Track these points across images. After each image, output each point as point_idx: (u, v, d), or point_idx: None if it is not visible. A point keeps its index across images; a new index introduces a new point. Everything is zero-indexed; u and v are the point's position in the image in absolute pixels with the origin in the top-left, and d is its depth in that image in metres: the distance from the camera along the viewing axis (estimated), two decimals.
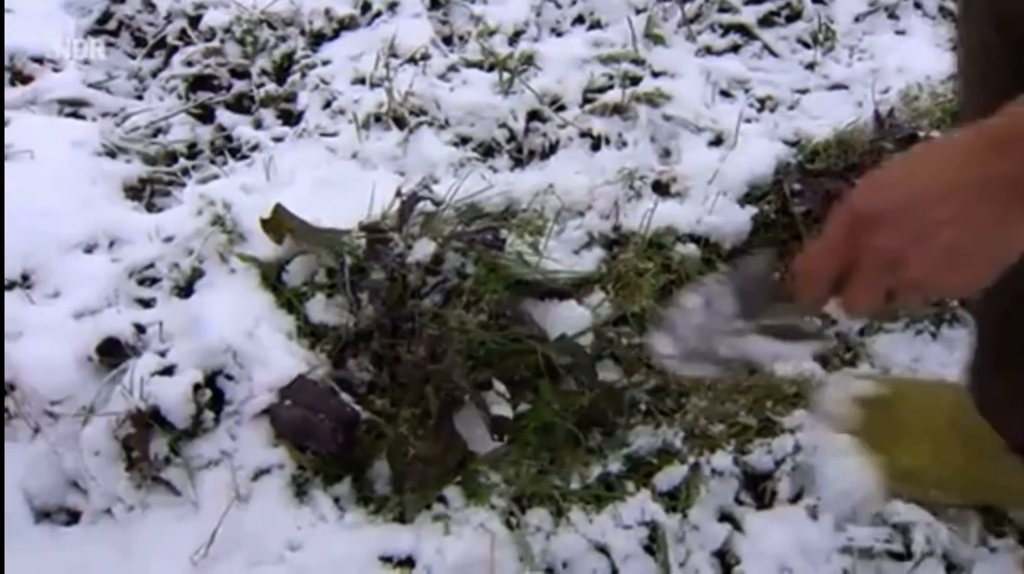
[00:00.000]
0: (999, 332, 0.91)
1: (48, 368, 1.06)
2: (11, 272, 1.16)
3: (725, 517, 1.00)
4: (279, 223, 1.17)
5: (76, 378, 1.06)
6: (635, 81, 1.56)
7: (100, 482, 0.98)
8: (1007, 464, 0.96)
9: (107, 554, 0.94)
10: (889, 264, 0.60)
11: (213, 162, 1.46)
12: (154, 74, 1.65)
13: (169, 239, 1.22)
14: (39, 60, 1.58)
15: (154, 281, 1.19)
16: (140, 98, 1.60)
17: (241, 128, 1.52)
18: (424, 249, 1.17)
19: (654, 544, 0.97)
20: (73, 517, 0.99)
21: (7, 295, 1.14)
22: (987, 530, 0.99)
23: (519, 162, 1.50)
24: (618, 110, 1.50)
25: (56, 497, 1.00)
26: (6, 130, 1.37)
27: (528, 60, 1.63)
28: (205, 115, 1.57)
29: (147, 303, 1.16)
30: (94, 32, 1.67)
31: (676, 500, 1.01)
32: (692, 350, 0.69)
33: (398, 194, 1.28)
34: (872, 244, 0.60)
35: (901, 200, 0.59)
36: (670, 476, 1.03)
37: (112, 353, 1.06)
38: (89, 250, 1.22)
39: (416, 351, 1.08)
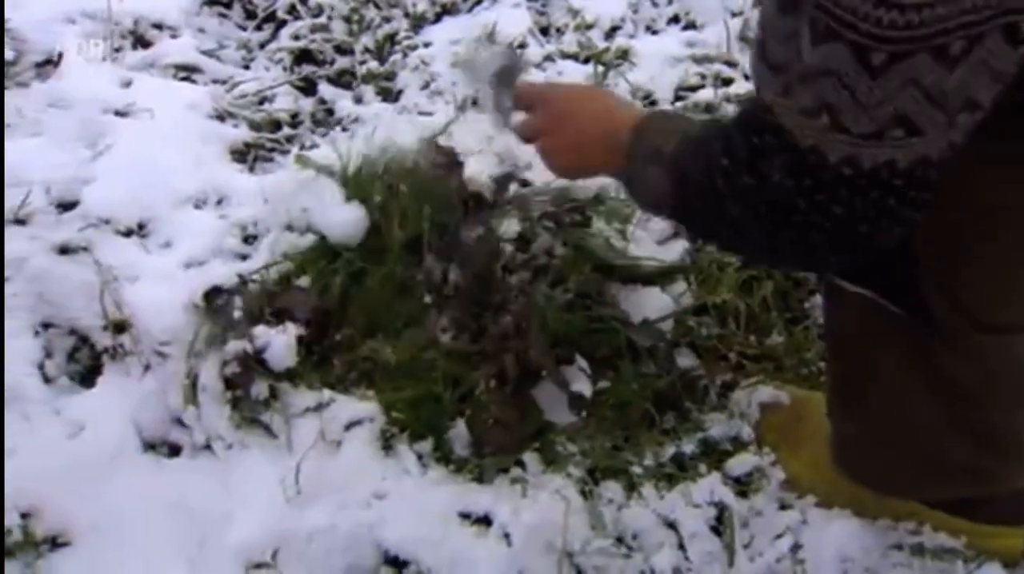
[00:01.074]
0: (831, 371, 0.98)
1: (159, 311, 1.13)
2: (129, 221, 1.24)
3: (788, 506, 1.03)
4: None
5: (184, 322, 1.12)
6: (727, 82, 1.59)
7: (203, 419, 1.05)
8: None
9: (205, 486, 1.00)
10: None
11: (313, 131, 1.53)
12: (262, 45, 1.72)
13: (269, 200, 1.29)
14: (159, 26, 1.66)
15: (254, 238, 1.26)
16: (247, 67, 1.68)
17: (342, 102, 1.59)
18: (513, 226, 1.22)
19: (721, 525, 1.01)
20: (175, 450, 1.05)
21: (126, 241, 1.21)
22: None
23: None
24: (708, 109, 1.53)
25: (161, 431, 1.06)
26: (129, 90, 1.45)
27: (623, 55, 1.67)
28: (308, 87, 1.64)
29: (246, 257, 1.23)
30: (209, 3, 1.75)
31: (745, 486, 1.04)
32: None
33: (491, 178, 1.33)
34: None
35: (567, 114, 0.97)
36: (742, 463, 1.06)
37: (217, 300, 1.13)
38: (199, 206, 1.29)
39: (502, 323, 1.13)
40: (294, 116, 1.57)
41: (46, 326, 1.12)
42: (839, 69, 0.62)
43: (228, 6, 1.76)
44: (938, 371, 0.83)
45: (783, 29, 0.65)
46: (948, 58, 0.60)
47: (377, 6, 1.73)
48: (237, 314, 1.10)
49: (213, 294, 1.14)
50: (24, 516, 0.94)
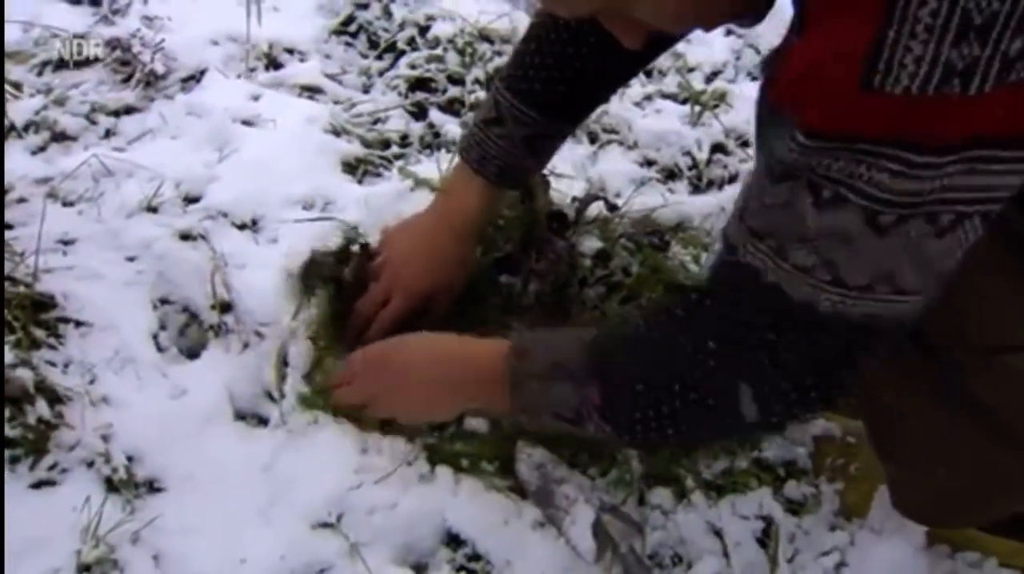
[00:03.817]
0: (863, 417, 1.01)
1: (262, 295, 1.24)
2: (244, 216, 1.36)
3: (838, 528, 1.04)
4: None
5: (281, 310, 1.23)
6: None
7: (288, 395, 1.15)
8: None
9: (284, 454, 1.09)
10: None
11: (420, 152, 1.64)
12: (381, 73, 1.85)
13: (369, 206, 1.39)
14: (290, 51, 1.81)
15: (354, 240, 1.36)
16: (366, 92, 1.81)
17: (449, 126, 1.69)
18: (592, 244, 1.28)
19: (767, 538, 1.03)
20: (263, 422, 1.15)
21: (239, 235, 1.34)
22: None
23: (697, 188, 1.59)
24: None
25: (252, 403, 1.16)
26: (257, 103, 1.60)
27: (721, 97, 1.73)
28: (420, 113, 1.75)
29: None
30: (337, 32, 1.90)
31: (797, 506, 1.07)
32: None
33: (574, 199, 1.41)
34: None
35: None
36: (796, 486, 1.09)
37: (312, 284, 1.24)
38: (307, 207, 1.40)
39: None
40: (404, 137, 1.68)
41: (163, 302, 1.25)
42: (848, 230, 0.66)
43: (354, 35, 1.90)
44: (963, 398, 0.84)
45: (773, 197, 0.70)
46: (938, 226, 0.65)
47: (489, 40, 1.84)
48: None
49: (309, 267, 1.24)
50: (129, 459, 1.05)
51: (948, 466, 0.90)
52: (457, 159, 1.21)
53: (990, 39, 0.56)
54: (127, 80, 1.67)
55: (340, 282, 1.25)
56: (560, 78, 1.09)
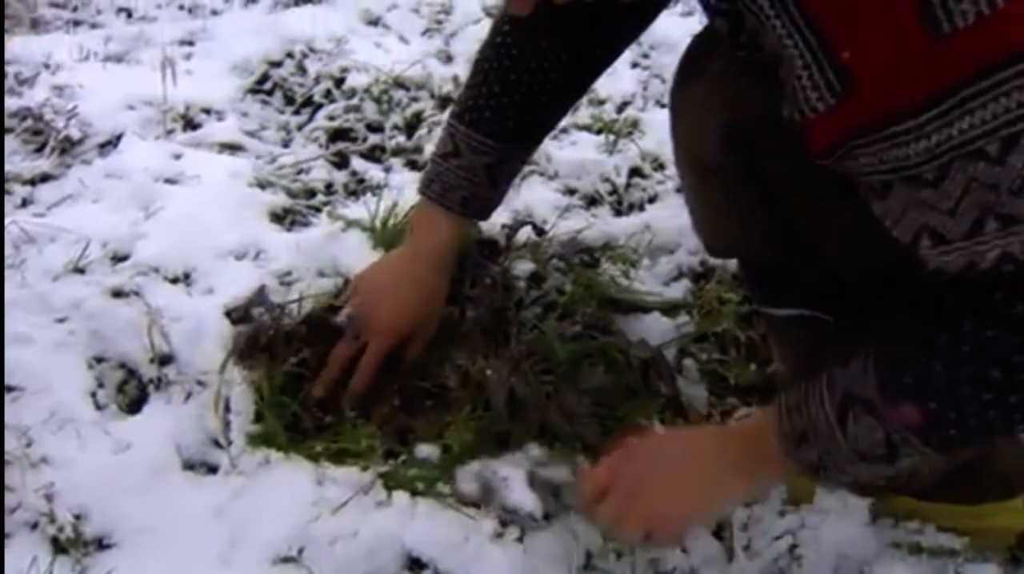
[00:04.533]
0: None
1: (201, 346, 1.23)
2: (175, 270, 1.36)
3: (787, 513, 1.07)
4: None
5: (221, 359, 1.22)
6: None
7: (234, 440, 1.14)
8: None
9: (239, 497, 1.08)
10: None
11: (346, 199, 1.65)
12: (300, 127, 1.87)
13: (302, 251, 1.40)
14: (207, 111, 1.82)
15: (289, 285, 1.36)
16: (286, 146, 1.82)
17: (372, 172, 1.72)
18: (525, 267, 1.32)
19: (721, 530, 1.06)
20: (212, 469, 1.14)
21: (172, 288, 1.33)
22: None
23: (619, 212, 1.64)
24: None
25: (200, 452, 1.15)
26: (179, 162, 1.60)
27: (634, 124, 1.80)
28: (341, 162, 1.77)
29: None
30: (253, 91, 1.92)
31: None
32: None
33: (503, 226, 1.44)
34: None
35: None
36: None
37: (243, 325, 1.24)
38: (239, 258, 1.41)
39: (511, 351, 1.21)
40: (328, 186, 1.70)
41: (99, 360, 1.23)
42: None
43: (270, 93, 1.92)
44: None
45: (946, 198, 0.68)
46: None
47: (405, 88, 1.88)
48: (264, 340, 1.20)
49: (238, 314, 1.24)
50: (76, 517, 1.03)
51: None
52: (419, 199, 1.22)
53: None
54: (40, 149, 1.66)
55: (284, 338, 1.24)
56: (509, 104, 1.13)
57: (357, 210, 1.52)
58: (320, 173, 1.72)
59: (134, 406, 1.20)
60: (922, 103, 0.65)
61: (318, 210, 1.60)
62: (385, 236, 1.37)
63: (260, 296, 1.27)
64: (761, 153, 0.88)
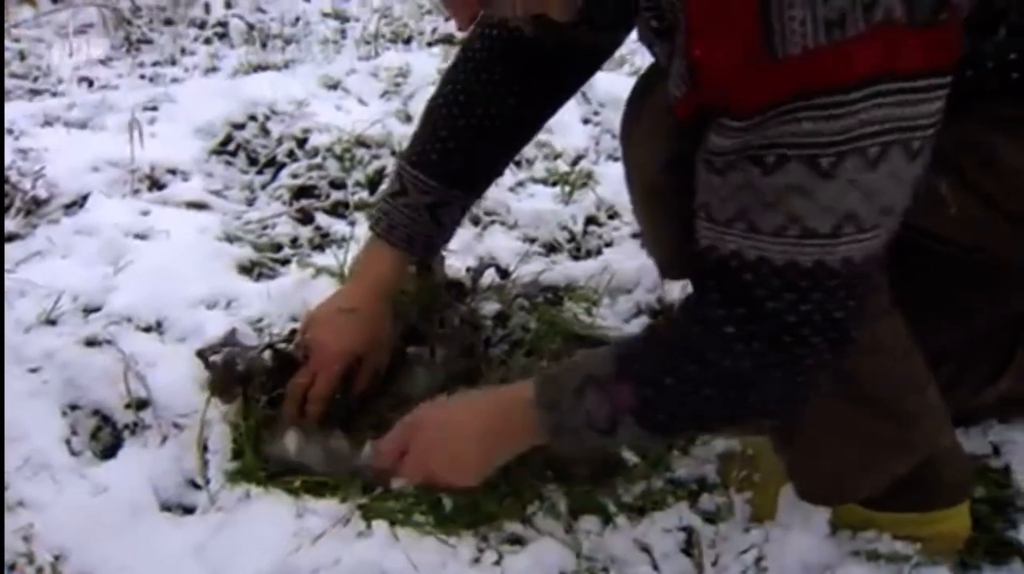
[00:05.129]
0: None
1: (176, 390, 1.25)
2: (148, 320, 1.39)
3: (752, 529, 1.12)
4: None
5: (197, 401, 1.24)
6: None
7: (212, 479, 1.15)
8: None
9: (218, 535, 1.09)
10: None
11: (312, 252, 1.69)
12: (264, 186, 1.92)
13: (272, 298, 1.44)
14: (172, 171, 1.86)
15: (261, 331, 1.39)
16: (251, 204, 1.86)
17: (337, 226, 1.76)
18: (492, 307, 1.37)
19: (690, 547, 1.10)
20: (189, 510, 1.15)
21: (145, 336, 1.35)
22: None
23: (577, 257, 1.71)
24: None
25: (177, 494, 1.16)
26: (147, 218, 1.63)
27: (588, 176, 1.88)
28: (306, 218, 1.82)
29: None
30: (217, 152, 1.96)
31: (712, 515, 1.14)
32: None
33: (468, 269, 1.50)
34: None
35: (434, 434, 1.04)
36: (710, 498, 1.16)
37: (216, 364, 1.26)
38: (210, 307, 1.44)
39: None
40: (294, 240, 1.74)
41: (73, 407, 1.24)
42: (799, 182, 0.78)
43: (234, 154, 1.97)
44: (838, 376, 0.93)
45: (726, 187, 0.82)
46: (868, 158, 0.76)
47: (366, 146, 1.94)
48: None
49: (210, 352, 1.26)
50: (56, 558, 1.03)
51: (838, 443, 1.00)
52: (368, 234, 1.29)
53: None
54: (6, 211, 1.67)
55: (255, 375, 1.27)
56: (455, 147, 1.20)
57: (325, 259, 1.56)
58: (285, 228, 1.76)
59: (109, 451, 1.21)
60: (748, 111, 0.77)
61: (285, 263, 1.64)
62: None
63: (231, 338, 1.29)
64: None
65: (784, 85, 0.75)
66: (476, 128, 1.19)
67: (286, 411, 1.20)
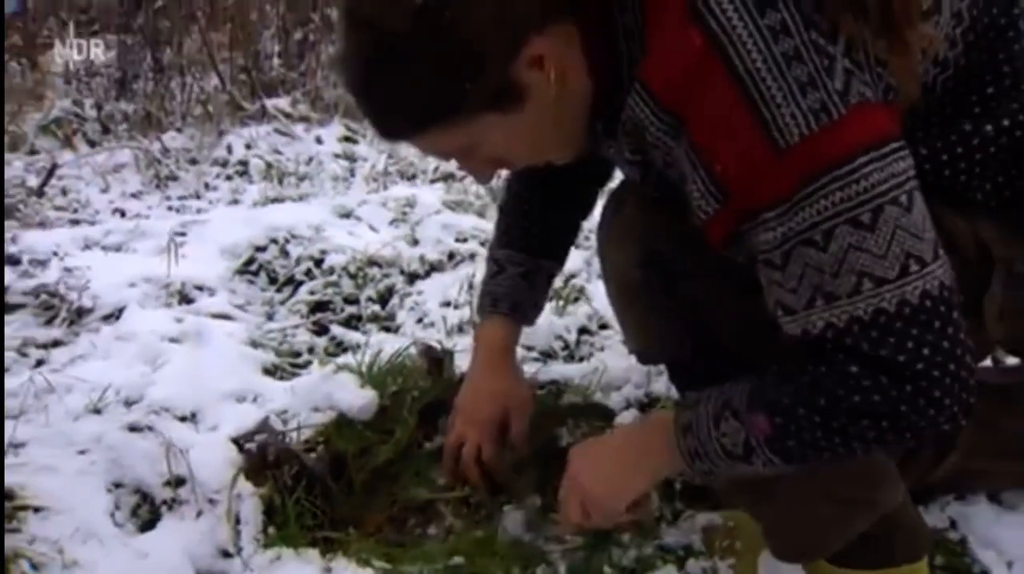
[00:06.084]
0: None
1: (209, 472, 1.38)
2: (184, 410, 1.52)
3: None
4: None
5: (229, 480, 1.37)
6: None
7: (244, 548, 1.27)
8: None
9: None
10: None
11: (329, 356, 1.85)
12: (283, 302, 2.09)
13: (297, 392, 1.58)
14: (200, 287, 2.04)
15: (286, 422, 1.53)
16: (271, 318, 2.04)
17: (350, 336, 1.93)
18: None
19: None
20: None
21: (181, 424, 1.49)
22: None
23: (570, 362, 1.87)
24: None
25: (211, 563, 1.27)
26: (180, 324, 1.79)
27: (580, 291, 2.06)
28: (321, 330, 1.99)
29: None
30: (240, 271, 2.15)
31: None
32: None
33: None
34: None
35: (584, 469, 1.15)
36: (696, 563, 1.29)
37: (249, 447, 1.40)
38: (240, 400, 1.58)
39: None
40: (311, 349, 1.89)
41: (117, 485, 1.37)
42: (853, 241, 0.87)
43: (255, 274, 2.15)
44: None
45: (789, 278, 0.90)
46: (902, 205, 0.87)
47: (378, 266, 2.13)
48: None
49: (245, 439, 1.40)
50: None
51: (808, 502, 1.13)
52: (477, 320, 1.47)
53: (818, 87, 0.85)
54: (51, 321, 1.84)
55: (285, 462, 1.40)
56: (529, 226, 1.42)
57: (345, 358, 1.72)
58: (303, 338, 1.92)
59: (149, 524, 1.33)
60: (769, 201, 0.89)
61: (304, 366, 1.80)
62: (373, 378, 1.57)
63: (264, 425, 1.43)
64: (671, 273, 1.14)
65: (799, 169, 0.86)
66: (541, 207, 1.42)
67: (446, 470, 1.36)
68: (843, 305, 0.89)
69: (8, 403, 1.50)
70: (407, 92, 0.95)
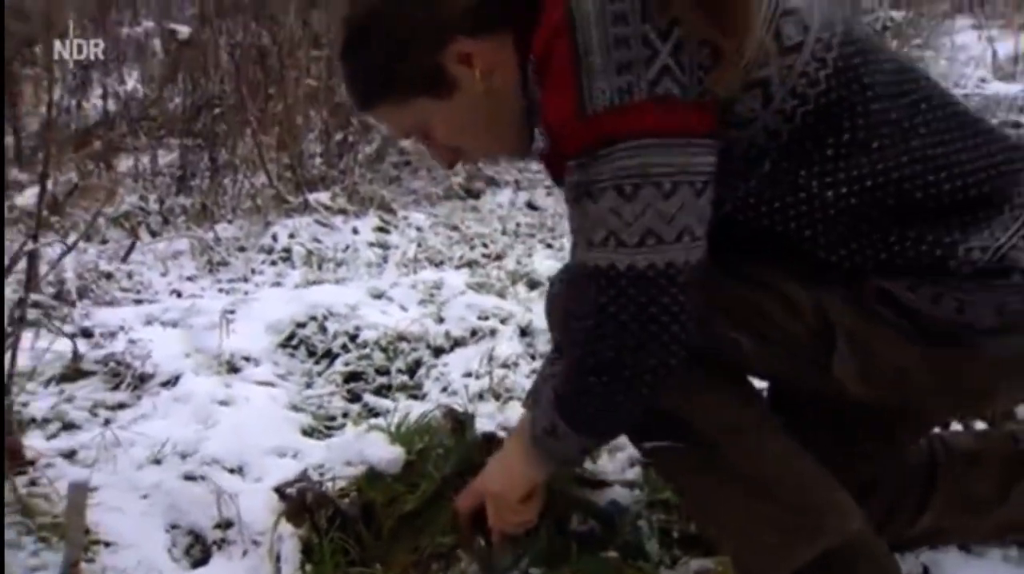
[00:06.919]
0: None
1: (254, 517, 1.56)
2: (232, 464, 1.72)
3: None
4: None
5: (271, 523, 1.55)
6: None
7: None
8: None
9: None
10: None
11: (361, 420, 2.04)
12: (320, 373, 2.30)
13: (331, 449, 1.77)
14: (247, 358, 2.25)
15: (324, 474, 1.72)
16: (309, 387, 2.23)
17: (381, 402, 2.12)
18: None
19: None
20: None
21: (229, 475, 1.68)
22: None
23: None
24: None
25: None
26: (229, 389, 2.00)
27: None
28: (354, 398, 2.18)
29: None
30: (283, 345, 2.36)
31: None
32: None
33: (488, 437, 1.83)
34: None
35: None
36: None
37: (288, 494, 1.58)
38: (281, 456, 1.77)
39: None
40: (344, 414, 2.09)
41: (173, 527, 1.55)
42: (611, 206, 1.04)
43: (296, 347, 2.36)
44: (733, 474, 1.22)
45: (570, 217, 1.11)
46: (663, 191, 1.03)
47: (407, 340, 2.33)
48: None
49: (286, 487, 1.58)
50: None
51: (737, 526, 1.25)
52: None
53: (633, 71, 1.01)
54: (118, 386, 2.06)
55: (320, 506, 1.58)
56: None
57: (377, 421, 1.91)
58: (338, 404, 2.12)
59: (200, 561, 1.51)
60: (572, 153, 1.06)
61: (339, 428, 1.99)
62: (401, 436, 1.75)
63: (303, 476, 1.62)
64: None
65: (593, 132, 1.03)
66: None
67: (464, 533, 1.50)
68: (594, 251, 1.08)
69: (82, 454, 1.71)
70: (358, 70, 1.20)
